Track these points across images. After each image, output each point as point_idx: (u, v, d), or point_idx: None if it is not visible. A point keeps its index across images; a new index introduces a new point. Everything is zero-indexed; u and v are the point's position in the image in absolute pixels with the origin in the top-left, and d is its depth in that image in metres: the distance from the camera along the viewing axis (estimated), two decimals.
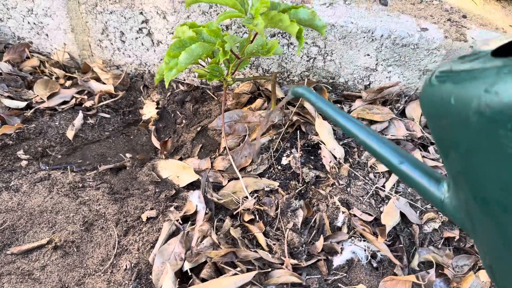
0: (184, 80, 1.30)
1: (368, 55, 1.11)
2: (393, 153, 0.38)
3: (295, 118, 1.12)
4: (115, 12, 1.18)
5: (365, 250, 0.87)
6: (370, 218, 0.93)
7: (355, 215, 0.93)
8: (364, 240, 0.89)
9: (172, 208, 0.96)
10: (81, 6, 1.19)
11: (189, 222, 0.92)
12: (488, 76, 0.24)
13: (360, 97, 1.17)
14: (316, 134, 1.09)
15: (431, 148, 1.09)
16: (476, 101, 0.24)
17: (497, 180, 0.25)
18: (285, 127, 1.11)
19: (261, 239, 0.87)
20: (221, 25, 1.14)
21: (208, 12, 1.12)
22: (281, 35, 1.12)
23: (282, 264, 0.83)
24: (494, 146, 0.24)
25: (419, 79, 1.14)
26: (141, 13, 1.16)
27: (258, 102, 1.19)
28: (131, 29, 1.21)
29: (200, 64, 1.02)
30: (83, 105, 1.21)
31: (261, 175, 1.04)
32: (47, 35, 1.30)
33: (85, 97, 1.23)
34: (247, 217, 0.91)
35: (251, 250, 0.84)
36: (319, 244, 0.86)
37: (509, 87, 0.22)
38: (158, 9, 1.14)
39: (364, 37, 1.07)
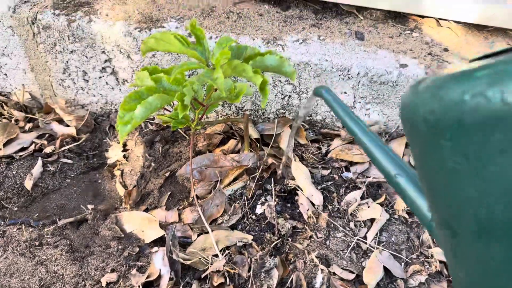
0: (153, 118, 1.22)
1: (345, 92, 1.04)
2: (392, 164, 0.37)
3: (270, 160, 1.05)
4: (76, 51, 1.10)
5: None
6: (351, 276, 0.85)
7: (334, 273, 0.85)
8: None
9: (134, 271, 0.87)
10: (40, 45, 1.11)
11: None
12: (439, 81, 0.22)
13: (338, 135, 1.11)
14: (293, 179, 1.02)
15: None
16: (422, 107, 0.22)
17: (443, 198, 0.23)
18: (260, 170, 1.03)
19: None
20: None
21: None
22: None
23: None
24: (438, 158, 0.22)
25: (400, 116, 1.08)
26: (103, 52, 1.09)
27: (231, 143, 1.11)
28: (94, 68, 1.13)
29: (165, 109, 0.94)
30: (43, 151, 1.12)
31: (233, 226, 0.96)
32: (6, 74, 1.22)
33: (45, 142, 1.14)
34: (216, 281, 0.83)
35: None
36: None
37: (452, 91, 0.20)
38: (121, 48, 1.07)
39: (339, 75, 1.01)
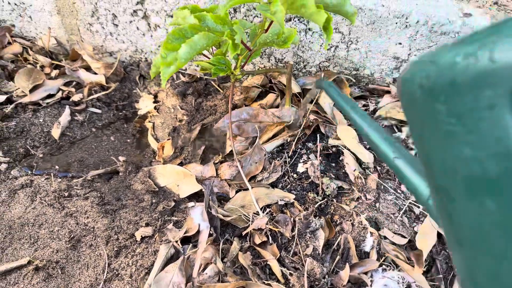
0: (186, 69, 1.14)
1: (400, 43, 0.94)
2: (390, 148, 0.40)
3: (312, 117, 0.97)
4: None
5: (398, 282, 0.73)
6: (403, 241, 0.79)
7: (385, 237, 0.79)
8: (396, 268, 0.76)
9: (170, 226, 0.82)
10: None
11: (191, 244, 0.78)
12: (435, 50, 0.23)
13: (388, 92, 1.02)
14: (338, 138, 0.94)
15: None
16: (419, 74, 0.23)
17: (440, 164, 0.24)
18: (302, 127, 0.96)
19: (276, 268, 0.73)
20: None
21: None
22: (298, 19, 0.96)
23: None
24: (434, 124, 0.23)
25: None
26: None
27: (270, 97, 1.03)
28: (124, 11, 1.05)
29: (204, 55, 0.86)
30: (70, 99, 1.06)
31: (273, 184, 0.90)
32: (30, 17, 1.15)
33: (73, 89, 1.08)
34: (258, 239, 0.78)
35: (263, 283, 0.71)
36: (345, 274, 0.73)
37: (445, 55, 0.21)
38: None
39: (396, 23, 0.91)
